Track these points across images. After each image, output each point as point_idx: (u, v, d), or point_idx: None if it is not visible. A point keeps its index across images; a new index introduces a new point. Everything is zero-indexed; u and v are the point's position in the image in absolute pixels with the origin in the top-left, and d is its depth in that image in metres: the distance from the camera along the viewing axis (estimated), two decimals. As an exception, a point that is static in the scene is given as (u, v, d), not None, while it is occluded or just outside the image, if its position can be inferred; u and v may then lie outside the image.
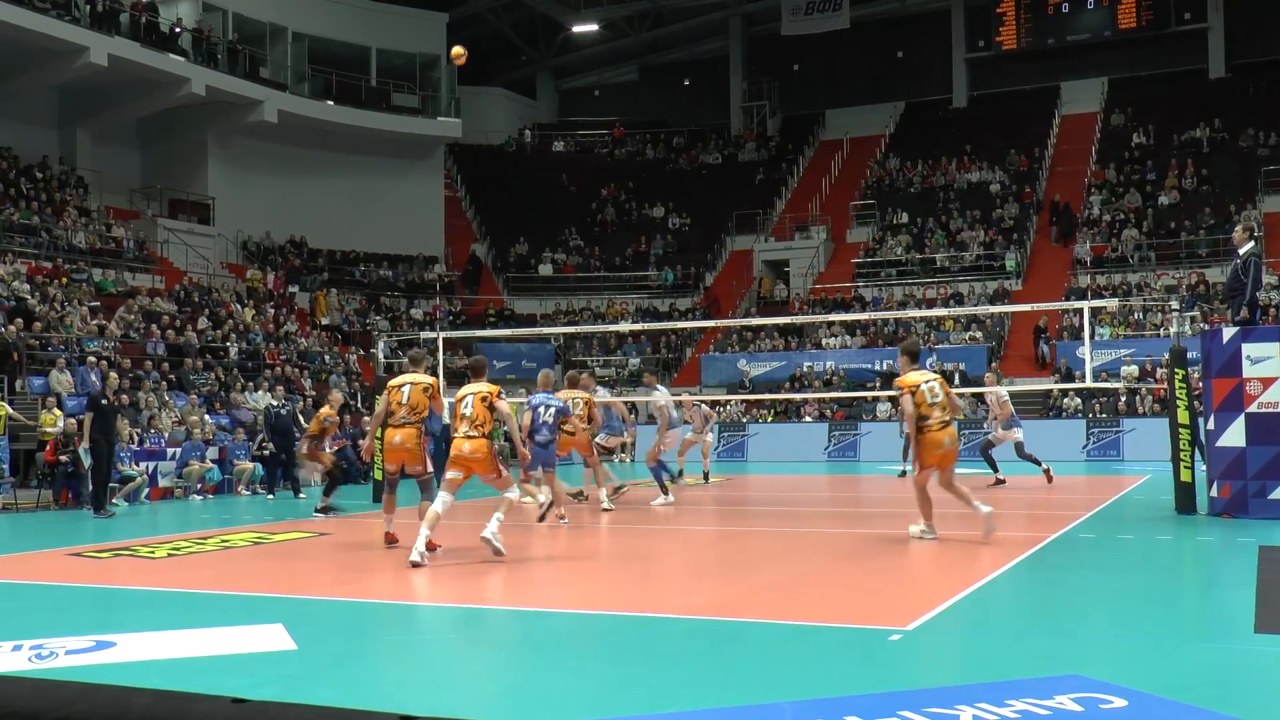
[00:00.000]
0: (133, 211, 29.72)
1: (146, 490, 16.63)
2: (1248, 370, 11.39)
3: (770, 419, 28.20)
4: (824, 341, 30.48)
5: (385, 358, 16.99)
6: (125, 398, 17.89)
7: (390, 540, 9.92)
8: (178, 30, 29.06)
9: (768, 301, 33.68)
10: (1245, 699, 4.65)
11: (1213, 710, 4.33)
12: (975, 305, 28.47)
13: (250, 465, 18.33)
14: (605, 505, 13.03)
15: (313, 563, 9.81)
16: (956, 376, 26.08)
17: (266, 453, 18.21)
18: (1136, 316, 28.21)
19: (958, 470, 10.10)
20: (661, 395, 15.95)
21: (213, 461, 18.11)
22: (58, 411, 16.93)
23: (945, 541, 9.72)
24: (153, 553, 10.00)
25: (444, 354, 17.28)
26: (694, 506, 14.83)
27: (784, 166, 39.98)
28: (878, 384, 26.83)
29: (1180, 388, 12.18)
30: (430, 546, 8.91)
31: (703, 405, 18.07)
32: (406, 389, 9.70)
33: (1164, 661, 5.41)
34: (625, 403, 17.24)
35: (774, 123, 42.60)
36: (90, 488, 14.74)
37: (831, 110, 41.89)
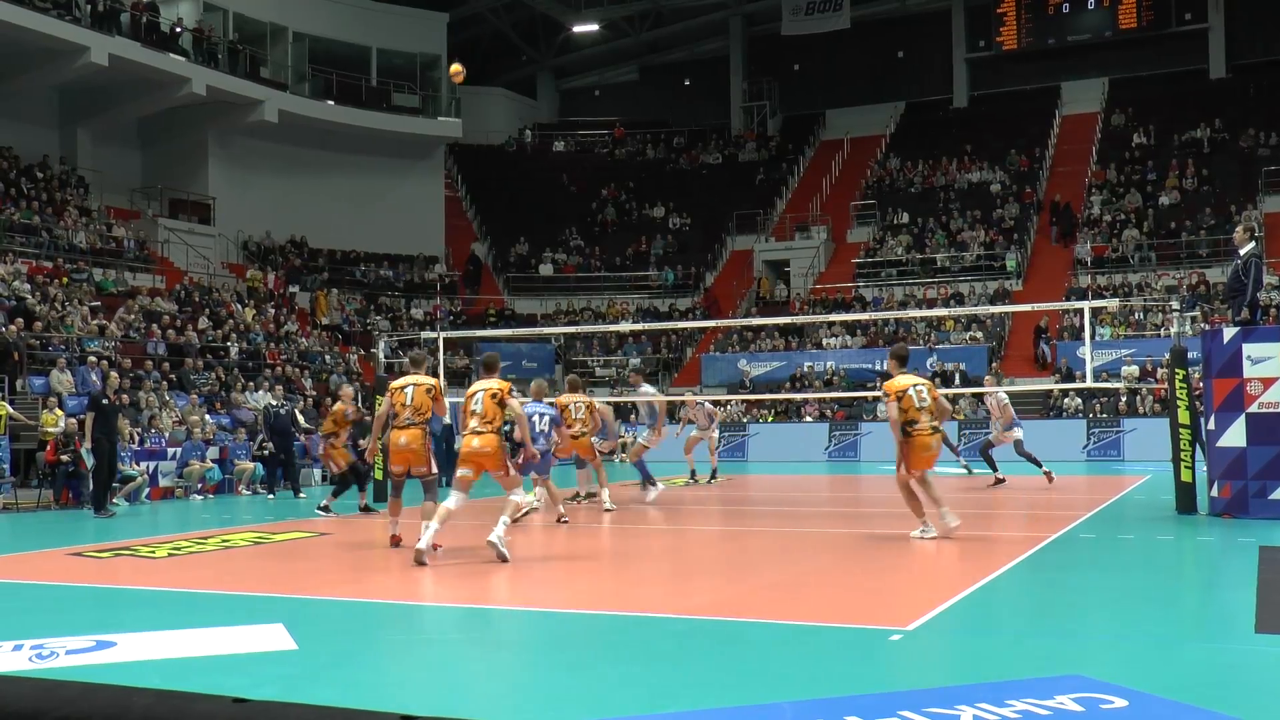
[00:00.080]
0: (133, 211, 29.73)
1: (147, 490, 16.64)
2: (1248, 370, 11.39)
3: (770, 419, 28.20)
4: (824, 341, 30.47)
5: (386, 358, 17.00)
6: (126, 397, 17.90)
7: (395, 542, 9.89)
8: (178, 30, 29.08)
9: (768, 301, 33.67)
10: (1246, 699, 4.65)
11: (1213, 710, 4.33)
12: (976, 305, 28.47)
13: (251, 465, 18.34)
14: (607, 506, 13.13)
15: (313, 563, 9.82)
16: (957, 377, 26.08)
17: (267, 452, 18.23)
18: (1137, 317, 28.19)
19: (938, 470, 10.26)
20: (649, 392, 16.13)
21: (213, 461, 18.12)
22: (58, 411, 16.93)
23: (945, 541, 9.73)
24: (153, 552, 10.00)
25: (444, 354, 17.28)
26: (694, 506, 14.85)
27: (784, 166, 39.96)
28: (878, 384, 26.71)
29: (1181, 388, 12.18)
30: (432, 546, 8.91)
31: (706, 404, 18.17)
32: (410, 390, 9.67)
33: (1164, 661, 5.42)
34: (625, 404, 17.36)
35: (774, 123, 42.58)
36: (91, 487, 14.75)
37: (832, 110, 41.86)
